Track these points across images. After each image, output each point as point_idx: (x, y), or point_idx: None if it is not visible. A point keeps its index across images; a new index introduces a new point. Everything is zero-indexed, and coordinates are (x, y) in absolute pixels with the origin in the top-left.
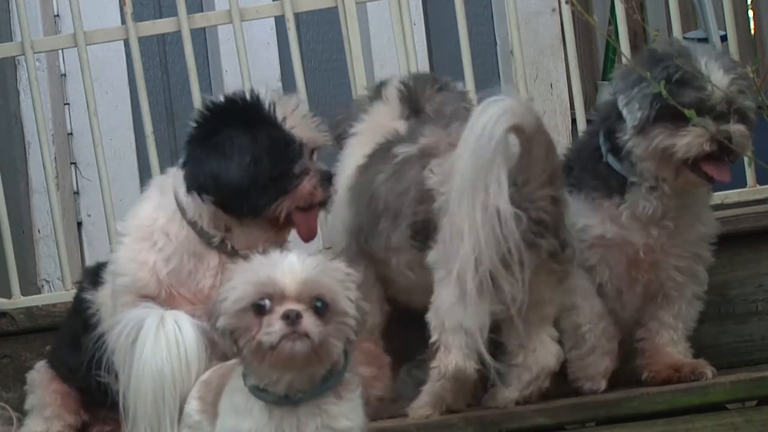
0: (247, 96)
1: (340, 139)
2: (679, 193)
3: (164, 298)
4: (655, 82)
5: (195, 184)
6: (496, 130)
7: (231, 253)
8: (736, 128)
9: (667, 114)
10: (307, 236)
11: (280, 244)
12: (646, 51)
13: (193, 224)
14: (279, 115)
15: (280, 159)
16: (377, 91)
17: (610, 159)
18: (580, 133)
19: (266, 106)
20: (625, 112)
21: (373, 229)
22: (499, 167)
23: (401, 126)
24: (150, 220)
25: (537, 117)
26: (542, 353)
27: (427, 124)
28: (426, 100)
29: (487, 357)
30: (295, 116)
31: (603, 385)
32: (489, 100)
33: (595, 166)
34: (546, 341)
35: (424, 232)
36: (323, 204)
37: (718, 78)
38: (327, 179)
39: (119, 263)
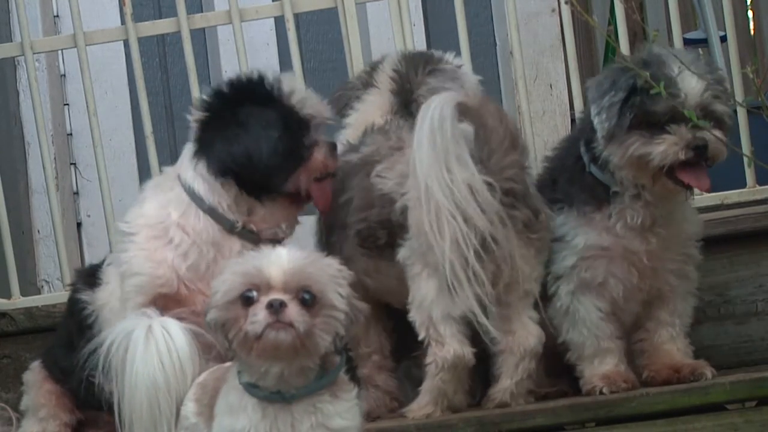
0: (251, 77)
1: (339, 115)
2: (660, 199)
3: (184, 294)
4: (622, 91)
5: (228, 165)
6: (445, 114)
7: (253, 238)
8: (712, 135)
9: (643, 122)
10: (324, 206)
11: (295, 223)
12: (619, 60)
13: (211, 211)
14: (284, 92)
15: (295, 132)
16: (370, 76)
17: (593, 169)
18: None
19: (270, 84)
20: (596, 121)
21: (328, 240)
22: (459, 146)
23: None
24: (161, 217)
25: (479, 93)
26: (523, 335)
27: (370, 133)
28: (417, 86)
29: (489, 326)
30: (299, 92)
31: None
32: (430, 98)
33: (581, 177)
34: (526, 323)
35: (371, 239)
36: (334, 174)
37: (691, 84)
38: (333, 149)
39: (132, 263)
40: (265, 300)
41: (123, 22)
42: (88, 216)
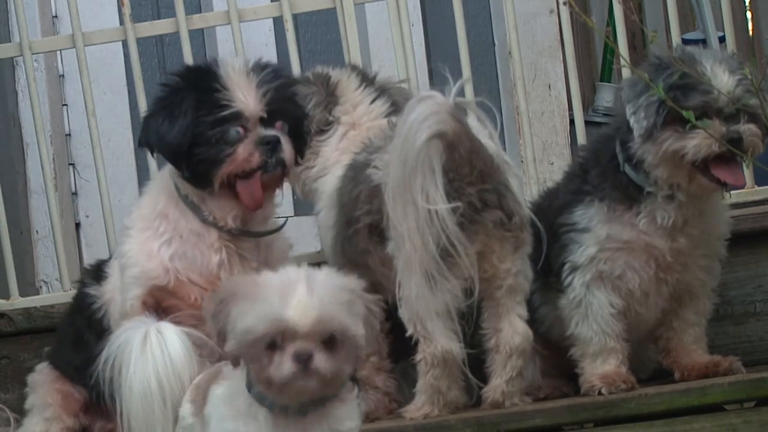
0: (205, 64)
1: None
2: (694, 199)
3: (173, 286)
4: (659, 88)
5: (143, 138)
6: (418, 138)
7: (225, 230)
8: (746, 128)
9: (676, 118)
10: (251, 205)
11: (249, 218)
12: (652, 58)
13: (185, 198)
14: (227, 84)
15: (215, 124)
16: (331, 94)
17: (628, 169)
18: (578, 134)
19: (217, 73)
20: (632, 121)
21: (346, 233)
22: (430, 171)
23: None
24: (151, 207)
25: (459, 121)
26: (508, 333)
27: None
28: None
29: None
30: (243, 86)
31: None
32: (419, 96)
33: (614, 175)
34: (514, 321)
35: (379, 229)
36: (264, 169)
37: (723, 80)
38: (266, 144)
39: (128, 255)
40: (291, 348)
41: (122, 22)
42: (87, 216)
